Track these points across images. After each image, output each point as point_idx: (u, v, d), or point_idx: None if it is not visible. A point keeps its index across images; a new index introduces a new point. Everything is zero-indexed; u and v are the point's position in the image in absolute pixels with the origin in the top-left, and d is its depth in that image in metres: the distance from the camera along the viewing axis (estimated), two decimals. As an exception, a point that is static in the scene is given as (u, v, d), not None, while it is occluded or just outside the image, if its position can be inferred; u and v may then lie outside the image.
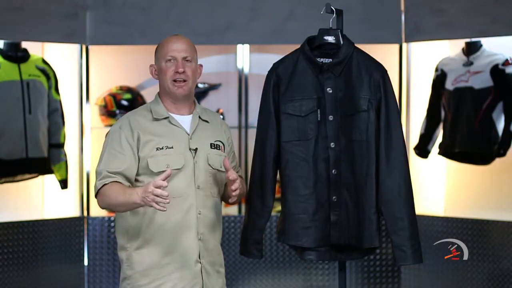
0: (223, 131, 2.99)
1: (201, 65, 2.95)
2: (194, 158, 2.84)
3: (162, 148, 2.80)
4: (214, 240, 2.89)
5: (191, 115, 2.91)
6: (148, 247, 2.82)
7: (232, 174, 2.78)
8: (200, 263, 2.83)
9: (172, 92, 2.86)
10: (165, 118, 2.87)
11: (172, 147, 2.81)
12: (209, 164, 2.86)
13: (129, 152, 2.79)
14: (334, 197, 2.97)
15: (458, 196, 5.14)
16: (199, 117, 2.91)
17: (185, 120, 2.89)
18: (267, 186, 3.02)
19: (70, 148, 5.07)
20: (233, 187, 2.79)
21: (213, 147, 2.89)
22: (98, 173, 2.80)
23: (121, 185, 2.74)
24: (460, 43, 4.93)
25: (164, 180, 2.57)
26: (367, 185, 2.95)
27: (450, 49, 5.09)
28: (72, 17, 4.97)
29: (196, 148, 2.84)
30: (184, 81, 2.85)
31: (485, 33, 4.81)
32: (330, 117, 2.96)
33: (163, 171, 2.68)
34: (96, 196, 2.80)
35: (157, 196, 2.55)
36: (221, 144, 2.93)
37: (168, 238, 2.80)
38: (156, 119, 2.86)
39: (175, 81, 2.84)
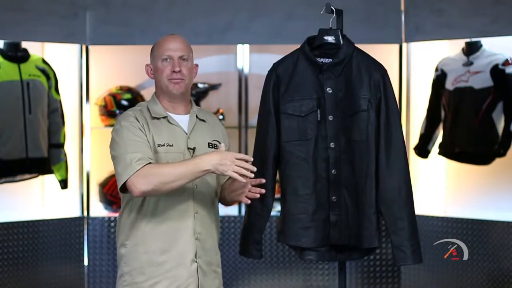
0: (220, 131, 2.99)
1: (196, 65, 2.94)
2: (192, 157, 2.83)
3: (164, 145, 2.80)
4: (211, 239, 2.88)
5: (188, 114, 2.91)
6: (145, 245, 2.82)
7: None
8: (196, 262, 2.83)
9: (169, 90, 2.85)
10: (164, 117, 2.87)
11: (172, 145, 2.81)
12: None
13: (146, 141, 2.78)
14: (333, 197, 2.97)
15: (458, 196, 5.14)
16: (196, 116, 2.92)
17: (182, 120, 2.88)
18: (267, 186, 3.01)
19: (70, 148, 5.08)
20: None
21: (210, 146, 2.89)
22: (130, 158, 2.69)
23: (167, 163, 2.74)
24: (460, 43, 4.93)
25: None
26: (367, 185, 2.95)
27: (450, 49, 5.09)
28: (72, 17, 4.97)
29: (194, 147, 2.84)
30: (181, 79, 2.85)
31: (485, 33, 4.81)
32: (330, 117, 2.96)
33: None
34: (131, 179, 2.67)
35: (243, 168, 2.60)
36: (218, 144, 2.93)
37: (165, 237, 2.80)
38: (155, 118, 2.86)
39: (171, 79, 2.85)
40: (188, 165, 2.67)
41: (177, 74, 2.83)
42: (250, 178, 2.66)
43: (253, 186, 2.76)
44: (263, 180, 2.75)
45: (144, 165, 2.68)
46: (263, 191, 2.75)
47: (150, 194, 2.72)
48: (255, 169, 2.62)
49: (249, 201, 2.77)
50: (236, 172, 2.62)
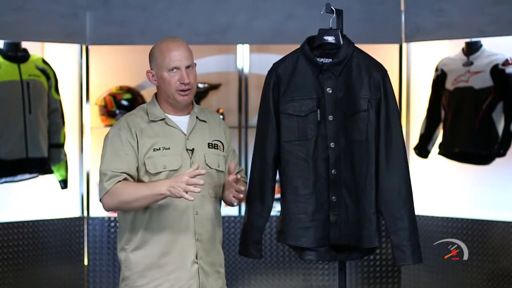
0: (221, 130, 2.98)
1: (195, 64, 2.92)
2: (191, 158, 2.83)
3: (159, 149, 2.80)
4: (213, 240, 2.88)
5: (188, 115, 2.90)
6: (145, 248, 2.82)
7: (233, 176, 2.77)
8: (198, 263, 2.83)
9: (177, 101, 2.84)
10: (162, 119, 2.86)
11: (169, 148, 2.81)
12: (207, 164, 2.85)
13: (131, 152, 2.79)
14: (333, 197, 2.97)
15: (458, 196, 5.13)
16: (197, 117, 2.91)
17: (182, 121, 2.88)
18: (267, 186, 3.01)
19: (70, 148, 5.08)
20: (238, 187, 2.77)
21: (210, 146, 2.88)
22: (103, 174, 2.78)
23: (135, 182, 2.77)
24: (460, 43, 4.93)
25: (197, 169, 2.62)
26: (367, 185, 2.95)
27: (450, 49, 5.09)
28: (72, 17, 4.97)
29: (193, 149, 2.84)
30: (189, 90, 2.84)
31: (485, 33, 4.81)
32: (330, 117, 2.96)
33: (160, 172, 2.76)
34: (102, 197, 2.77)
35: (191, 184, 2.59)
36: (219, 144, 2.93)
37: (165, 239, 2.81)
38: (153, 121, 2.86)
39: (180, 91, 2.83)
40: (148, 188, 2.70)
41: (186, 86, 2.82)
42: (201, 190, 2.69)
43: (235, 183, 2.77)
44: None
45: (115, 184, 2.73)
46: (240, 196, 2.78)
47: (117, 210, 2.81)
48: (201, 182, 2.60)
49: (235, 202, 2.80)
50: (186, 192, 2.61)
